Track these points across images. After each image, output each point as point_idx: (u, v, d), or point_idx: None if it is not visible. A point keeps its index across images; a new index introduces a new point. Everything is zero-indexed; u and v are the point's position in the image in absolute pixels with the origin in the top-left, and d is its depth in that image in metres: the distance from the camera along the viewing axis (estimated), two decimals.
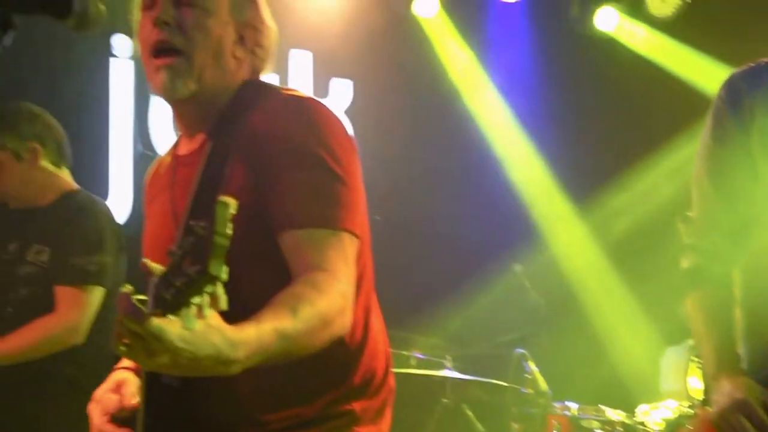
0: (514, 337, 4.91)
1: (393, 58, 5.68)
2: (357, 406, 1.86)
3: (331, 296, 1.69)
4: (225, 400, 1.79)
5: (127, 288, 1.40)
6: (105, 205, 3.57)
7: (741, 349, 2.11)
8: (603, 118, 6.04)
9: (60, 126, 3.55)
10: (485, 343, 5.14)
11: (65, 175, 3.55)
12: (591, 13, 5.89)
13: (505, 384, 4.56)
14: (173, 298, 1.34)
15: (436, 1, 5.75)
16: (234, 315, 1.47)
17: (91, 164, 4.79)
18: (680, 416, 3.95)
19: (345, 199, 1.81)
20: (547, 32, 6.09)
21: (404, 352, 4.73)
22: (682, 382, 3.84)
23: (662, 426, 4.02)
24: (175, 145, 2.07)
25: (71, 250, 3.32)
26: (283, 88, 1.97)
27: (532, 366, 4.46)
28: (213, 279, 1.31)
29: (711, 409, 2.05)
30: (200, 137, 1.95)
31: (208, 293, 1.33)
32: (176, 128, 2.07)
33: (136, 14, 1.97)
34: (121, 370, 1.95)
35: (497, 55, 6.01)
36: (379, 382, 1.93)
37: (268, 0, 2.06)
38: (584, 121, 6.02)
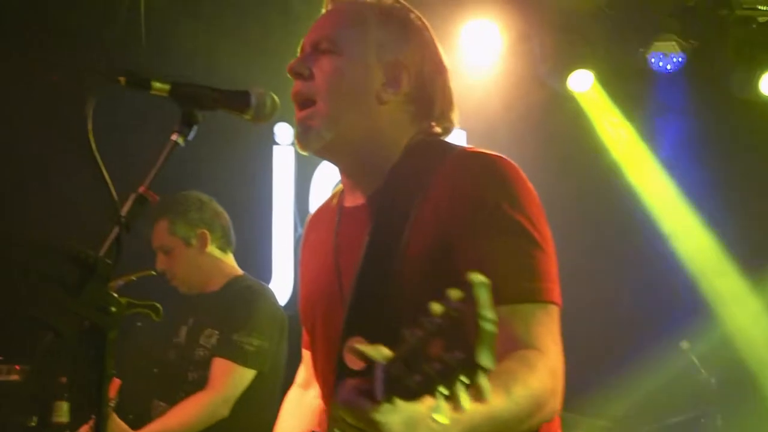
0: (685, 418, 4.71)
1: (551, 135, 5.62)
2: None
3: (543, 376, 1.56)
4: None
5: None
6: (270, 291, 3.66)
7: None
8: None
9: (226, 212, 3.67)
10: (655, 424, 4.93)
11: (230, 260, 3.65)
12: (756, 77, 5.67)
13: None
14: (418, 386, 1.21)
15: (590, 75, 5.68)
16: None
17: (254, 248, 4.91)
18: None
19: (545, 268, 1.67)
20: (708, 99, 5.90)
21: None
22: None
23: None
24: (341, 193, 1.95)
25: (234, 327, 3.41)
26: (461, 146, 1.82)
27: None
28: (481, 369, 1.17)
29: None
30: (366, 191, 1.84)
31: (463, 383, 1.18)
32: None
33: None
34: None
35: (657, 126, 5.88)
36: None
37: None
38: (752, 190, 5.78)
